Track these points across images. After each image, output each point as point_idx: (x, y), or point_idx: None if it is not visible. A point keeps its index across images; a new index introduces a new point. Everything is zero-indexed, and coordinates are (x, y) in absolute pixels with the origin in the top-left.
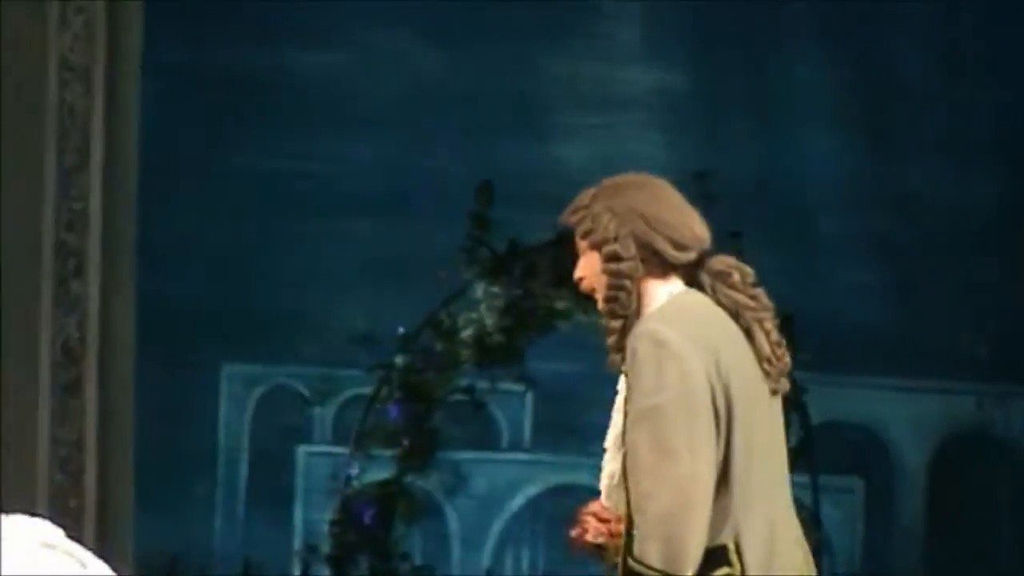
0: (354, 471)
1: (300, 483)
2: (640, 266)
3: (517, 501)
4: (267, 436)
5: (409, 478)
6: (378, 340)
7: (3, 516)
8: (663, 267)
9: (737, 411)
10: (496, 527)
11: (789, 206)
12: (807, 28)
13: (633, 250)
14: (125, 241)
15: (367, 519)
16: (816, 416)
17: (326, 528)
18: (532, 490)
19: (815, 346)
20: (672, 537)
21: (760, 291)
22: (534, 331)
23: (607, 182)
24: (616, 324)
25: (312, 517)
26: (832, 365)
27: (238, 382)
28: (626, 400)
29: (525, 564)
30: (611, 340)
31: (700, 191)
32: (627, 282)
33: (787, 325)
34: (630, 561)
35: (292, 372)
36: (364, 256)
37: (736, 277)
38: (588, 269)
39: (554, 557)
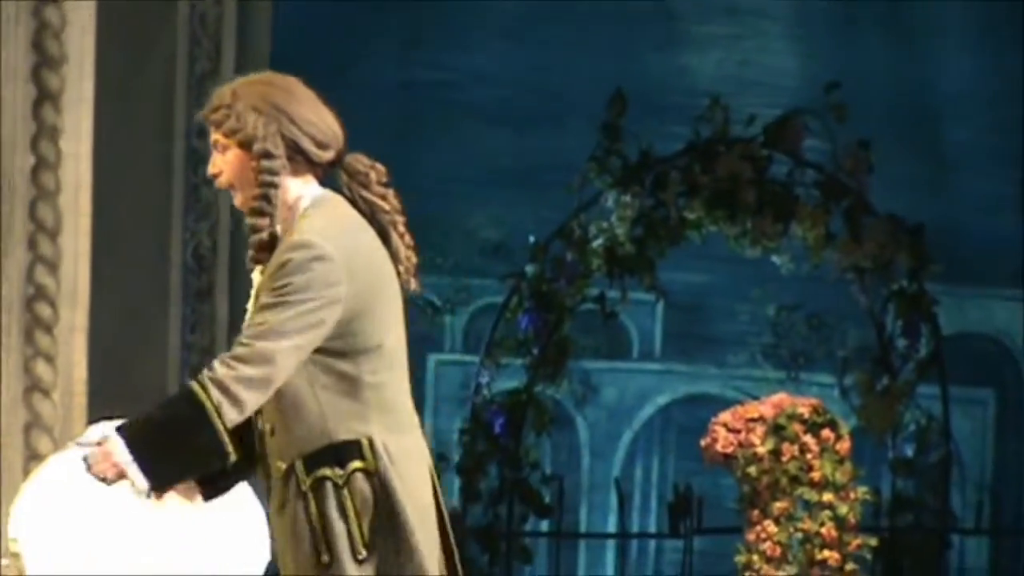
0: (484, 380)
1: (430, 392)
2: (286, 164)
3: (647, 411)
4: None
5: (539, 387)
6: (510, 249)
7: None
8: (305, 166)
9: (376, 319)
10: (626, 437)
11: (920, 117)
12: None
13: (281, 148)
14: None
15: (497, 428)
16: (947, 327)
17: (456, 437)
18: (662, 400)
19: (946, 257)
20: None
21: (390, 192)
22: (665, 241)
23: (245, 80)
24: (264, 222)
25: (442, 426)
26: (963, 276)
27: None
28: (257, 297)
29: (655, 474)
30: (256, 239)
31: (831, 101)
32: (277, 179)
33: (917, 236)
34: (199, 376)
35: (423, 281)
36: (496, 166)
37: (372, 177)
38: (227, 166)
39: (683, 467)
